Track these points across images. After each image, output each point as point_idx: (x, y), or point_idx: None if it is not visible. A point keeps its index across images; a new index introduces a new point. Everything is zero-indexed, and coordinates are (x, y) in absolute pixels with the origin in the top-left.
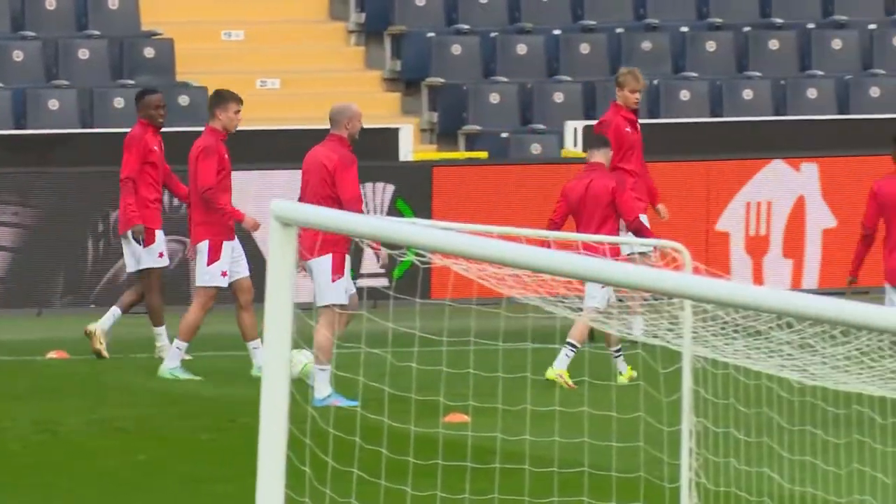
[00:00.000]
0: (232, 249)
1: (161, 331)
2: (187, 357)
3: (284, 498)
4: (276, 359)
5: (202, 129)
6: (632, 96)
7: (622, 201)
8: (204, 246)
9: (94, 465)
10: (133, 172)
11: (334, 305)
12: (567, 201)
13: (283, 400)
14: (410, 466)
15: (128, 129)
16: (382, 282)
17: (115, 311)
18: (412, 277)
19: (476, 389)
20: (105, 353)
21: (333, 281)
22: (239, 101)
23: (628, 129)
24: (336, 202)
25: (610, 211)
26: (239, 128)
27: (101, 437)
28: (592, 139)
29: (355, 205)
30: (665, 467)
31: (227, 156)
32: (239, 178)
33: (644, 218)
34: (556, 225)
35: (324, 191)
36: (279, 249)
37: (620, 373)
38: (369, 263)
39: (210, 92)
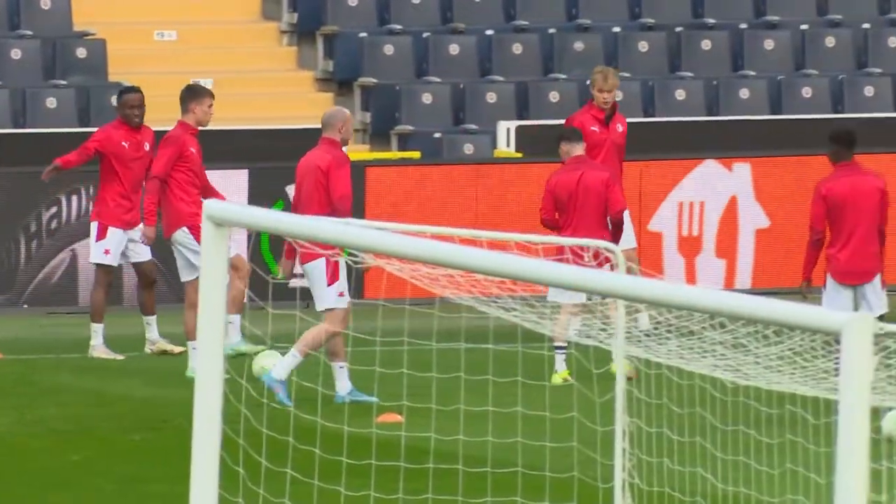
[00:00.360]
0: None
1: (98, 328)
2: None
3: (218, 498)
4: (210, 359)
5: None
6: (599, 95)
7: (614, 192)
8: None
9: (26, 465)
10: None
11: (333, 308)
12: (554, 196)
13: (216, 400)
14: (344, 466)
15: (61, 130)
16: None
17: (146, 319)
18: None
19: (409, 389)
20: (175, 349)
21: (329, 285)
22: (212, 95)
23: (594, 128)
24: (331, 205)
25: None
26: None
27: (34, 438)
28: (569, 133)
29: (345, 202)
30: (598, 467)
31: (193, 150)
32: None
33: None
34: (553, 222)
35: (318, 194)
36: (212, 249)
37: (556, 371)
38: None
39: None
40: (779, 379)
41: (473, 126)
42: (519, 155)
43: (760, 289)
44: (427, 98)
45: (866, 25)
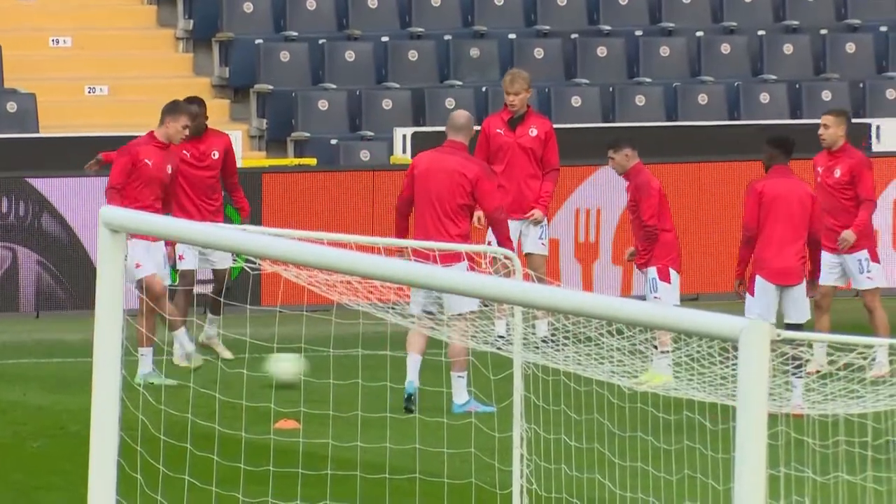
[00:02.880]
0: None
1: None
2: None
3: None
4: (107, 365)
5: (32, 135)
6: (506, 98)
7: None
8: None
9: None
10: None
11: (469, 313)
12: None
13: (114, 407)
14: (242, 473)
15: None
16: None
17: (210, 317)
18: (243, 284)
19: (307, 395)
20: (228, 353)
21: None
22: (191, 117)
23: (499, 131)
24: (467, 210)
25: (470, 200)
26: (67, 134)
27: None
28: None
29: (502, 213)
30: (497, 473)
31: (150, 162)
32: (69, 185)
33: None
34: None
35: (461, 199)
36: (109, 255)
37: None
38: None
39: (38, 98)
40: (676, 385)
41: (370, 133)
42: (411, 161)
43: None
44: (323, 105)
45: (761, 32)
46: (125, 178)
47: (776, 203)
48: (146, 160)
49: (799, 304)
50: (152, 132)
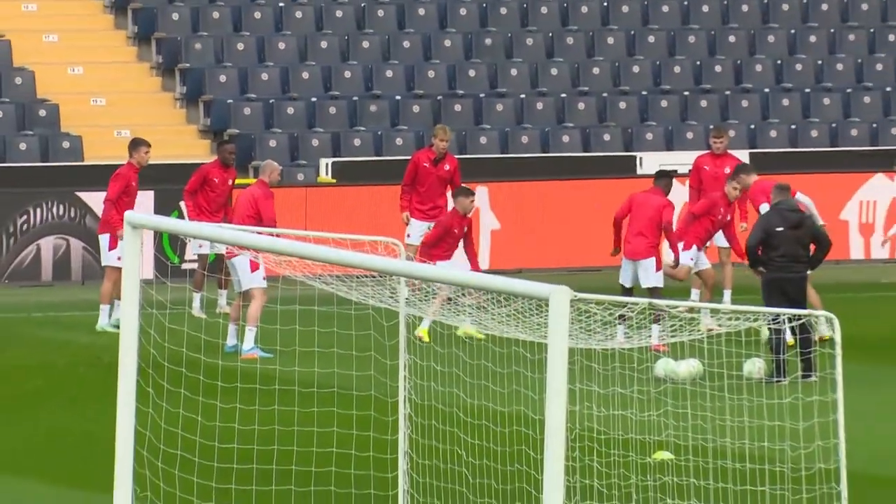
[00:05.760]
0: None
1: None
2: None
3: (135, 410)
4: (129, 316)
5: (79, 163)
6: (439, 143)
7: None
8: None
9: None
10: (113, 197)
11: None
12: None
13: (133, 344)
14: (219, 389)
15: None
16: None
17: (219, 291)
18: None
19: (262, 339)
20: (228, 309)
21: (252, 271)
22: (148, 144)
23: (426, 164)
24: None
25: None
26: (102, 163)
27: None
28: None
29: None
30: (388, 388)
31: (135, 183)
32: (102, 197)
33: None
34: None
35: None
36: (130, 242)
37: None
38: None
39: (83, 139)
40: (508, 329)
41: (303, 161)
42: (334, 181)
43: (497, 269)
44: (272, 143)
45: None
46: (118, 193)
47: (635, 208)
48: (132, 182)
49: (648, 272)
50: (129, 163)
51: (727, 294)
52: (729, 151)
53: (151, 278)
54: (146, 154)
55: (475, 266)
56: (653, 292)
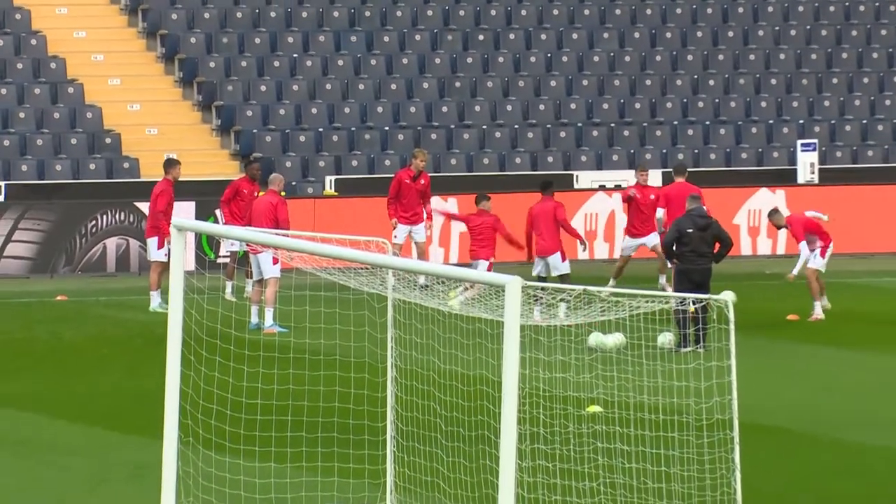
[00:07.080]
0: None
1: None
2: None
3: (181, 370)
4: (176, 299)
5: (136, 180)
6: (418, 163)
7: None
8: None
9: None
10: (162, 208)
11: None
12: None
13: (178, 320)
14: (246, 357)
15: None
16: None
17: (247, 280)
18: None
19: (281, 314)
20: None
21: (273, 264)
22: (180, 162)
23: (407, 181)
24: None
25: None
26: (152, 179)
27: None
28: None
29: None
30: (378, 356)
31: (173, 194)
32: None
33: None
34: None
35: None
36: (176, 242)
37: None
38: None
39: (140, 161)
40: (469, 310)
41: (312, 178)
42: (336, 194)
43: (464, 262)
44: (288, 164)
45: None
46: (165, 206)
47: (537, 216)
48: (172, 194)
49: (556, 264)
50: (166, 178)
51: (662, 278)
52: (649, 183)
53: (193, 270)
54: (179, 170)
55: (518, 247)
56: (563, 279)
